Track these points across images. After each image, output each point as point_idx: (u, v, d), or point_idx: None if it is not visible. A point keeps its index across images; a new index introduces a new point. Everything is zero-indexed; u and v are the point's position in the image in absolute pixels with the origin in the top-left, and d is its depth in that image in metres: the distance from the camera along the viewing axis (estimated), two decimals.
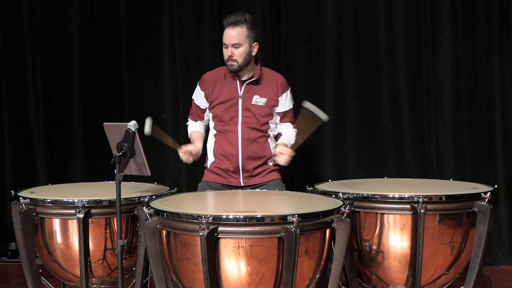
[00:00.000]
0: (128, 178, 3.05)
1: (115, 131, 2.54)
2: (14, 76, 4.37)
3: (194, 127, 3.39)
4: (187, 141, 3.38)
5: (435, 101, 4.19)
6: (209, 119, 3.34)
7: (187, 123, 3.44)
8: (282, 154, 3.01)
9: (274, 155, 3.12)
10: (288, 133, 3.27)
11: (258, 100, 3.19)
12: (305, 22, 4.26)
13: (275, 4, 4.27)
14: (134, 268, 2.85)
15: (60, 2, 4.35)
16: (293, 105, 3.28)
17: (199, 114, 3.36)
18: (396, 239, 2.65)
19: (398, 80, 4.21)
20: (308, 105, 2.78)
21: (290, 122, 3.28)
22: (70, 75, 4.35)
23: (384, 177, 3.39)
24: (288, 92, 3.28)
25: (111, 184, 2.96)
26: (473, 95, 4.21)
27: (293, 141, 3.14)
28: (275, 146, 3.19)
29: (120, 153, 2.50)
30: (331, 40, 4.23)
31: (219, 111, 3.23)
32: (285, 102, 3.25)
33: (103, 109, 4.38)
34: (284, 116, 3.27)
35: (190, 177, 4.20)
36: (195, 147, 3.22)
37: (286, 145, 3.09)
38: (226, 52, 3.15)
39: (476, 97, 4.22)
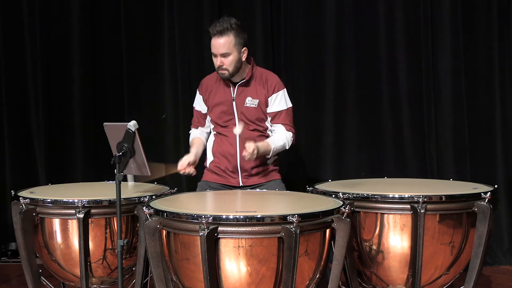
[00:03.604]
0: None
1: (115, 131, 2.54)
2: (14, 76, 4.36)
3: (194, 134, 3.37)
4: (188, 144, 3.39)
5: (435, 101, 4.19)
6: (210, 124, 3.33)
7: (189, 132, 3.42)
8: (246, 151, 2.93)
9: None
10: (277, 134, 3.16)
11: (251, 102, 3.16)
12: (305, 22, 4.26)
13: (275, 5, 4.26)
14: (134, 268, 2.85)
15: (60, 2, 4.34)
16: (291, 106, 3.22)
17: (200, 120, 3.34)
18: (396, 239, 2.65)
19: (398, 80, 4.20)
20: None
21: (283, 124, 3.17)
22: (70, 75, 4.34)
23: (384, 177, 3.39)
24: (281, 92, 3.18)
25: (111, 184, 2.96)
26: (473, 95, 4.21)
27: (279, 144, 3.10)
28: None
29: (120, 153, 2.50)
30: (331, 40, 4.22)
31: (215, 115, 3.23)
32: (276, 102, 3.17)
33: (103, 109, 4.37)
34: (274, 118, 3.18)
35: (190, 177, 4.16)
36: (190, 156, 3.13)
37: (256, 145, 2.96)
38: (216, 61, 3.11)
39: (476, 97, 4.22)
